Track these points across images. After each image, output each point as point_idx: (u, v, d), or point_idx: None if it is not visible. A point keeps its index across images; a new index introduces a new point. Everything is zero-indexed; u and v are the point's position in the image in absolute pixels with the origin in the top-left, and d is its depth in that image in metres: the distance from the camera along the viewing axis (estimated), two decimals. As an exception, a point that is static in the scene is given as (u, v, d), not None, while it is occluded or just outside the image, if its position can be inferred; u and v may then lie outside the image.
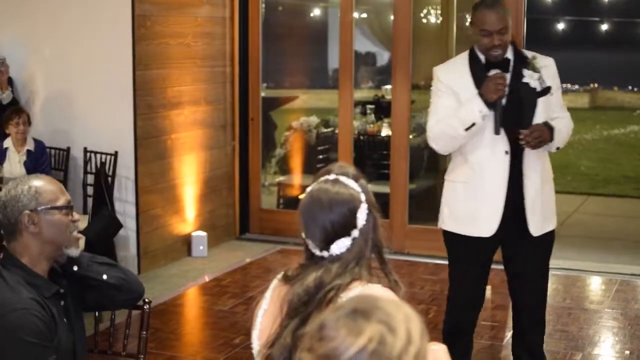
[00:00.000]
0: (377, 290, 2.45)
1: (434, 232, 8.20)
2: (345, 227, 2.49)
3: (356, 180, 2.54)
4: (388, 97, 9.72)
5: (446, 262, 7.61)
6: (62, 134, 7.54)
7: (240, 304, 6.66)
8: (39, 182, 3.05)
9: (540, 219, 4.56)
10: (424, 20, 10.78)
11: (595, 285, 7.32)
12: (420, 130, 9.33)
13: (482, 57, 4.54)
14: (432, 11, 10.83)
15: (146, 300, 3.45)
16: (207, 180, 8.23)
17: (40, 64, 7.65)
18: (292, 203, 9.41)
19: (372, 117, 9.81)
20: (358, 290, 2.46)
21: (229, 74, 8.48)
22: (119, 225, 6.89)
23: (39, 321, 2.86)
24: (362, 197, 2.51)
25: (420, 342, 1.62)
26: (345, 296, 2.43)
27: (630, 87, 26.38)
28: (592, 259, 8.03)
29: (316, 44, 12.71)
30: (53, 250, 3.03)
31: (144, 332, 3.49)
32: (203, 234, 8.05)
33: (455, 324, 4.80)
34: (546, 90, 4.51)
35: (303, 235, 2.55)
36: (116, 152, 7.17)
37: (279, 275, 2.63)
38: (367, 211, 2.51)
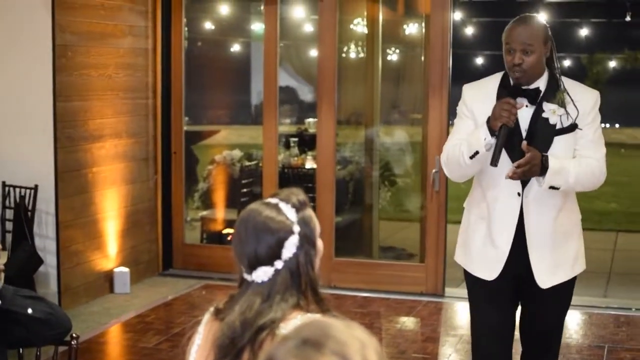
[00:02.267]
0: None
1: (361, 265, 8.25)
2: (268, 256, 2.39)
3: (298, 210, 2.44)
4: (311, 130, 9.69)
5: (373, 295, 7.68)
6: (-22, 168, 7.32)
7: (165, 341, 6.51)
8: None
9: (550, 269, 4.12)
10: (344, 55, 10.79)
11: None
12: (345, 163, 9.32)
13: (512, 81, 4.10)
14: (354, 47, 10.84)
15: (74, 335, 3.31)
16: (129, 215, 8.06)
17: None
18: (215, 238, 9.30)
19: (295, 150, 9.76)
20: (298, 319, 2.37)
21: (152, 107, 8.35)
22: (40, 261, 6.70)
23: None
24: (296, 228, 2.41)
25: None
26: (285, 327, 2.34)
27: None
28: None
29: (238, 78, 12.64)
30: (-25, 283, 2.89)
31: (72, 369, 3.34)
32: (125, 270, 7.86)
33: None
34: (569, 128, 4.04)
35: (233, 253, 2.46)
36: (36, 186, 6.97)
37: (211, 309, 2.53)
38: (297, 244, 2.41)
